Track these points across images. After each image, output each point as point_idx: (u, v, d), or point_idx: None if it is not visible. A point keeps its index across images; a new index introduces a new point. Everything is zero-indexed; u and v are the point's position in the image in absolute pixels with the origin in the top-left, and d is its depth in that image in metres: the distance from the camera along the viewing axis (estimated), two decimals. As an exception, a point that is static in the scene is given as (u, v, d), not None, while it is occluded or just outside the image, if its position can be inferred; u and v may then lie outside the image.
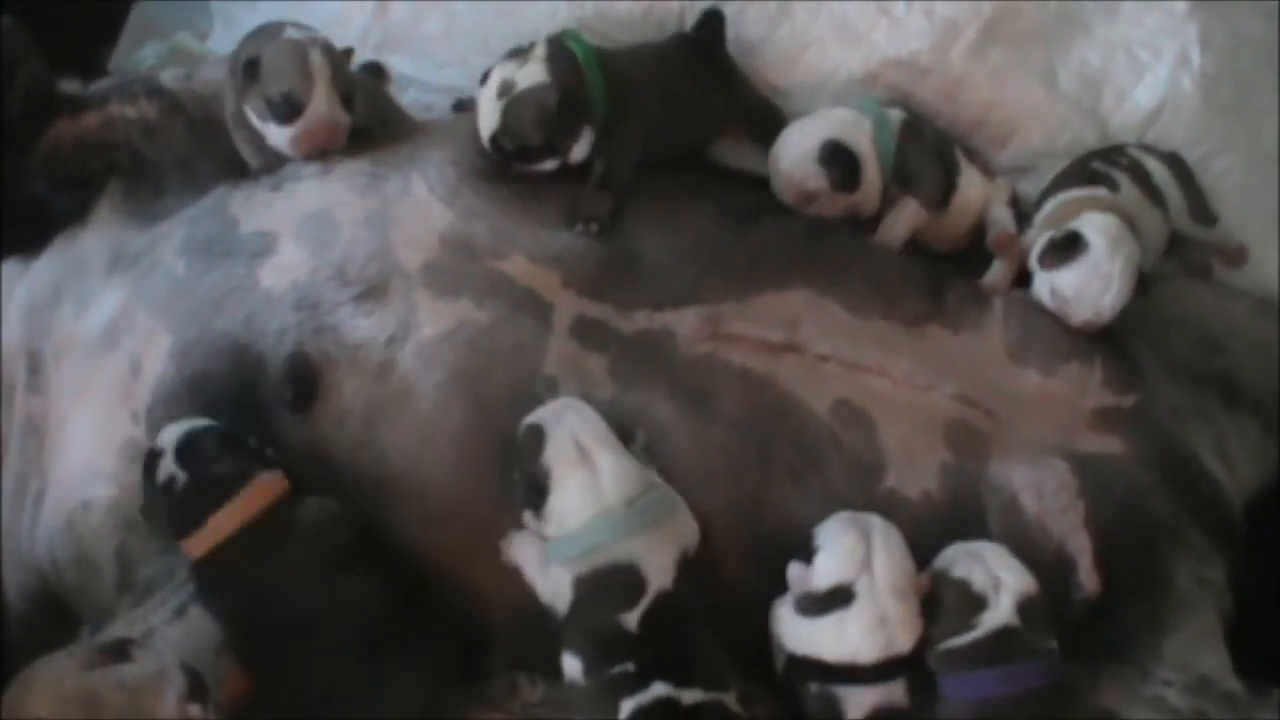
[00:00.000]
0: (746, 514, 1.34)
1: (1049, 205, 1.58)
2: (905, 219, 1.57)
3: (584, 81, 1.45)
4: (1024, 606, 1.24)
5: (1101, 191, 1.55)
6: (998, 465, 1.40)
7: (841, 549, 1.25)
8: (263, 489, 1.28)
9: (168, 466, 1.29)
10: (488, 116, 1.44)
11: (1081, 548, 1.37)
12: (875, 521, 1.28)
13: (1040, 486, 1.39)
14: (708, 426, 1.36)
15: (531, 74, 1.43)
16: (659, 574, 1.22)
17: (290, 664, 1.26)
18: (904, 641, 1.23)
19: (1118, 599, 1.38)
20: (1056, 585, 1.35)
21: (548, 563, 1.25)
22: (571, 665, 1.23)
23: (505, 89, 1.43)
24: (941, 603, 1.25)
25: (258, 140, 1.50)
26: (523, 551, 1.28)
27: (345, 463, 1.35)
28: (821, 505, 1.33)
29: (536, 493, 1.25)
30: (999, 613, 1.23)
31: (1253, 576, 1.48)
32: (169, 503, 1.29)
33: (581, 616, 1.23)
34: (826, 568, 1.25)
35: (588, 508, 1.23)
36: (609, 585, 1.22)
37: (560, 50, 1.47)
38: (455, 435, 1.34)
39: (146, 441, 1.36)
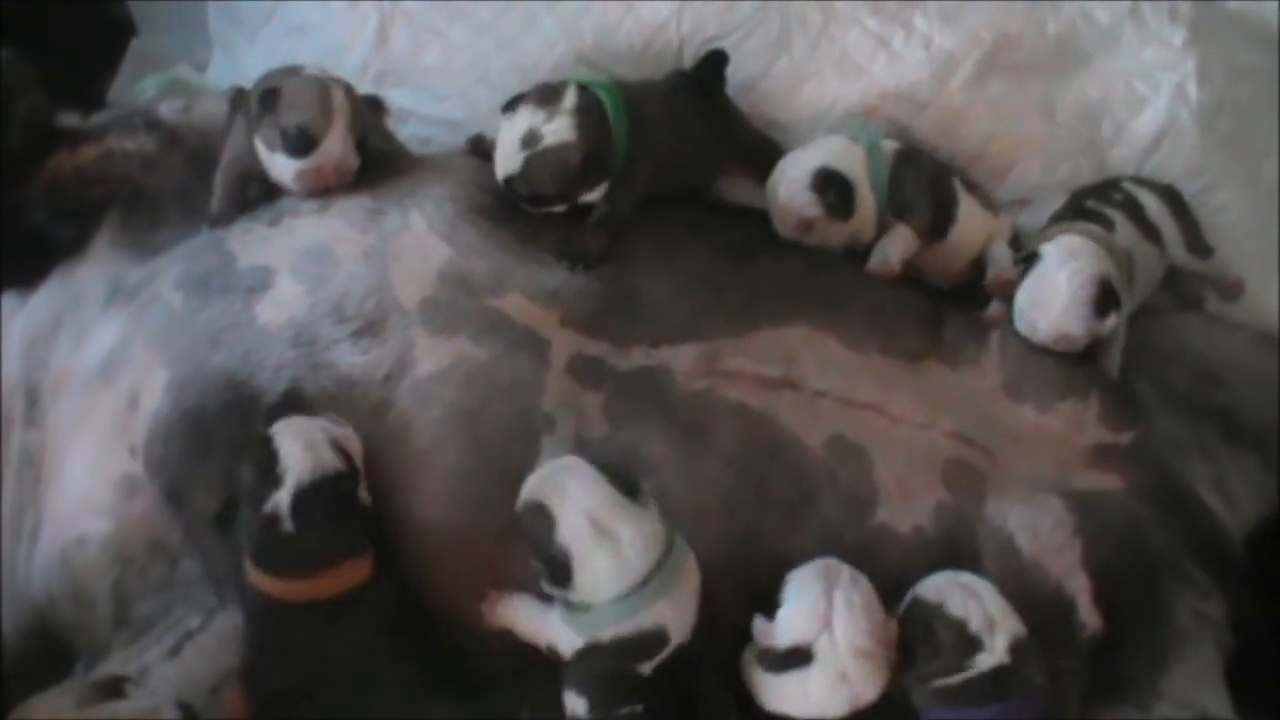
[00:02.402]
0: (741, 550, 1.33)
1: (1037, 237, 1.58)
2: (897, 245, 1.57)
3: (609, 135, 1.46)
4: (1015, 647, 1.23)
5: (1092, 226, 1.55)
6: (994, 505, 1.40)
7: (803, 606, 1.24)
8: (348, 573, 1.25)
9: (278, 502, 1.23)
10: (508, 160, 1.44)
11: (1080, 587, 1.37)
12: (843, 575, 1.26)
13: (1036, 526, 1.39)
14: (703, 462, 1.36)
15: (559, 130, 1.43)
16: (681, 630, 1.20)
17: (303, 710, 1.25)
18: (870, 694, 1.22)
19: (1117, 635, 1.38)
20: (1059, 625, 1.35)
21: (564, 626, 1.22)
22: (576, 704, 1.22)
23: (530, 139, 1.43)
24: (938, 640, 1.24)
25: (240, 180, 1.50)
26: (514, 613, 1.27)
27: (342, 499, 1.34)
28: (816, 542, 1.33)
29: (561, 573, 1.19)
30: (993, 654, 1.23)
31: (1253, 612, 1.47)
32: (262, 534, 1.25)
33: (593, 663, 1.21)
34: (787, 624, 1.24)
35: (617, 582, 1.18)
36: (633, 647, 1.19)
37: (589, 102, 1.46)
38: (452, 472, 1.33)
39: (143, 476, 1.36)
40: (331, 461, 1.25)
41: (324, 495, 1.24)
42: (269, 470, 1.24)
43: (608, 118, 1.46)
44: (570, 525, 1.18)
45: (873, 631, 1.23)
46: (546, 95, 1.46)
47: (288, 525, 1.23)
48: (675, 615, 1.20)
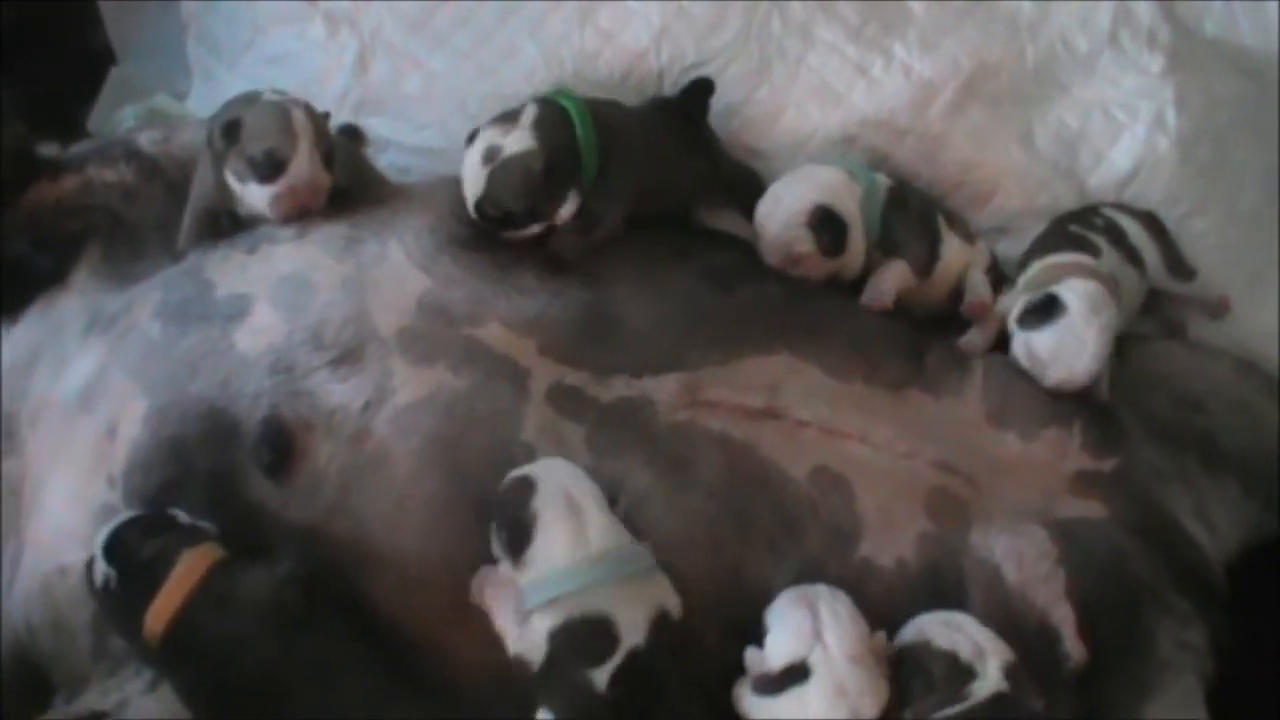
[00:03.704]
0: (726, 583, 1.32)
1: (1033, 268, 1.58)
2: (892, 279, 1.57)
3: (575, 141, 1.45)
4: (1009, 671, 1.23)
5: (1086, 258, 1.55)
6: (978, 535, 1.39)
7: (790, 625, 1.24)
8: (190, 567, 1.25)
9: (100, 569, 1.27)
10: (473, 182, 1.44)
11: (1064, 618, 1.36)
12: (821, 591, 1.27)
13: (1020, 555, 1.38)
14: (686, 495, 1.35)
15: (518, 140, 1.43)
16: (631, 630, 1.20)
17: None
18: (869, 709, 1.21)
19: (1099, 664, 1.37)
20: (1044, 655, 1.34)
21: (523, 610, 1.23)
22: None
23: (490, 155, 1.43)
24: (928, 674, 1.24)
25: (207, 216, 1.51)
26: (494, 594, 1.26)
27: (320, 527, 1.34)
28: (798, 575, 1.32)
29: (520, 537, 1.23)
30: (989, 681, 1.22)
31: (1234, 639, 1.46)
32: (109, 605, 1.27)
33: (555, 671, 1.20)
34: (778, 646, 1.24)
35: (570, 553, 1.21)
36: (581, 636, 1.20)
37: (550, 112, 1.46)
38: (431, 501, 1.33)
39: (122, 505, 1.36)
40: None
41: (125, 532, 1.28)
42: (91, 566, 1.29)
43: (572, 124, 1.46)
44: (547, 493, 1.24)
45: (863, 639, 1.23)
46: (505, 116, 1.46)
47: (113, 575, 1.26)
48: (622, 609, 1.20)
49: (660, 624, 1.22)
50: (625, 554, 1.23)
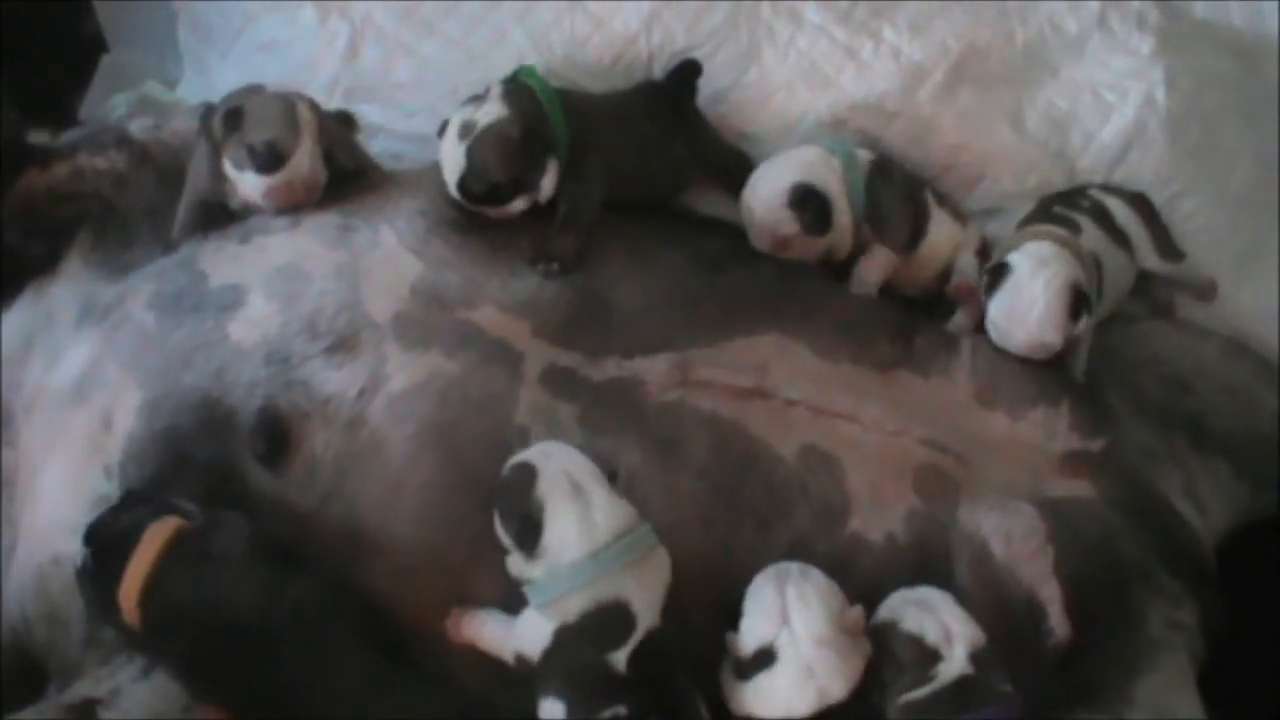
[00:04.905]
0: (715, 563, 1.33)
1: (1002, 245, 1.58)
2: (877, 267, 1.57)
3: (544, 114, 1.46)
4: (976, 655, 1.24)
5: (1051, 228, 1.55)
6: (966, 511, 1.40)
7: (759, 609, 1.24)
8: (154, 535, 1.25)
9: (79, 553, 1.27)
10: (452, 162, 1.44)
11: (1051, 595, 1.37)
12: (792, 571, 1.27)
13: (1009, 532, 1.38)
14: (676, 474, 1.35)
15: (491, 112, 1.44)
16: (648, 610, 1.20)
17: (267, 680, 1.24)
18: (838, 690, 1.21)
19: (1089, 643, 1.37)
20: (1028, 632, 1.35)
21: (531, 621, 1.22)
22: (553, 709, 1.20)
23: (466, 130, 1.44)
24: (896, 657, 1.25)
25: (201, 206, 1.51)
26: (476, 626, 1.27)
27: (316, 515, 1.34)
28: (788, 553, 1.32)
29: (530, 530, 1.21)
30: (954, 664, 1.23)
31: (1224, 618, 1.47)
32: (87, 588, 1.27)
33: (564, 659, 1.20)
34: (750, 630, 1.24)
35: (582, 542, 1.20)
36: (598, 625, 1.19)
37: (517, 87, 1.48)
38: (426, 487, 1.33)
39: (118, 496, 1.35)
40: None
41: (101, 518, 1.29)
42: None
43: (539, 100, 1.47)
44: (550, 478, 1.22)
45: (831, 619, 1.23)
46: (473, 98, 1.48)
47: (88, 556, 1.26)
48: (639, 591, 1.20)
49: (670, 599, 1.23)
50: (634, 536, 1.22)
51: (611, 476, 1.25)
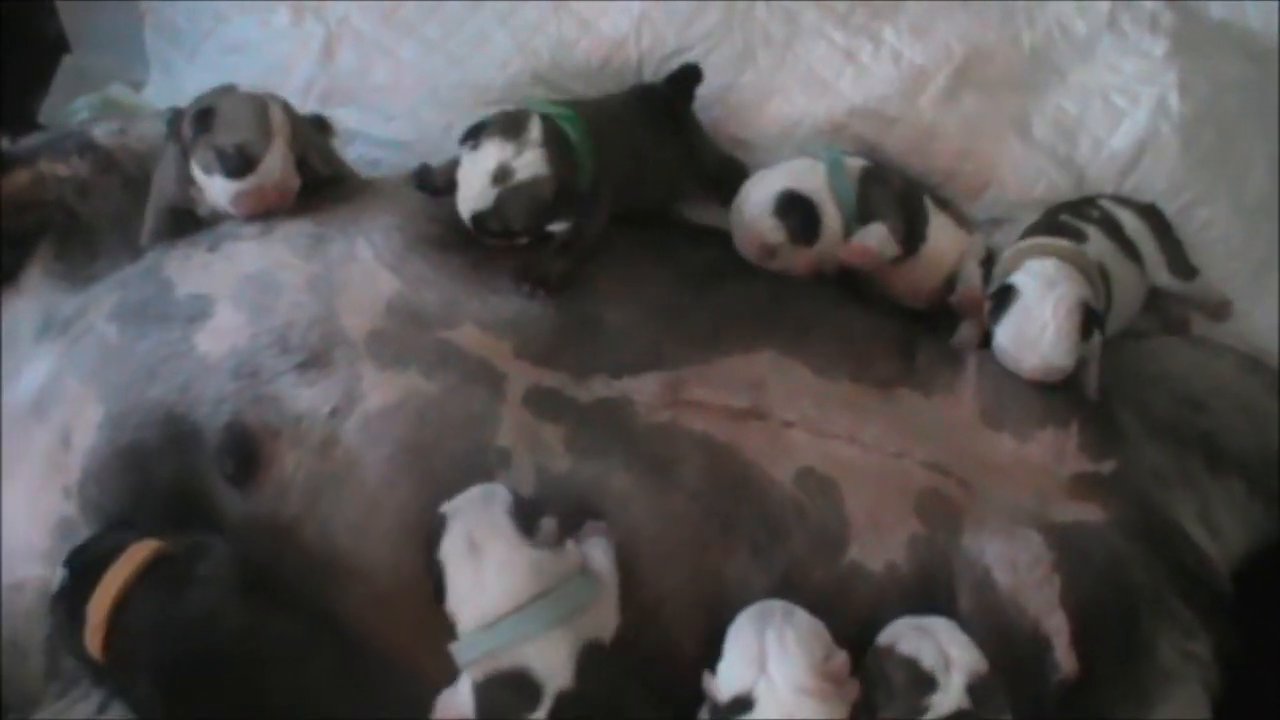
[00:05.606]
0: (708, 589, 1.30)
1: (1003, 257, 1.55)
2: (874, 238, 1.52)
3: (575, 165, 1.43)
4: (974, 687, 1.20)
5: (1055, 240, 1.52)
6: (970, 538, 1.36)
7: (737, 654, 1.21)
8: (133, 555, 1.22)
9: (58, 575, 1.25)
10: (477, 198, 1.40)
11: (1058, 626, 1.33)
12: (776, 612, 1.23)
13: (1014, 560, 1.35)
14: (668, 498, 1.32)
15: (530, 164, 1.39)
16: (555, 674, 1.17)
17: (238, 709, 1.21)
18: None
19: (1099, 674, 1.34)
20: (1032, 664, 1.32)
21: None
22: None
23: (502, 175, 1.39)
24: (890, 682, 1.21)
25: (169, 212, 1.47)
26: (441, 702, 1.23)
27: (287, 538, 1.31)
28: (783, 580, 1.30)
29: (436, 585, 1.20)
30: (950, 696, 1.20)
31: (1242, 648, 1.43)
32: (59, 609, 1.24)
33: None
34: (726, 676, 1.21)
35: (475, 608, 1.18)
36: (504, 692, 1.17)
37: (555, 131, 1.43)
38: (402, 511, 1.29)
39: (80, 518, 1.33)
40: None
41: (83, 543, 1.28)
42: None
43: (572, 148, 1.43)
44: (452, 537, 1.20)
45: (812, 667, 1.19)
46: (510, 127, 1.42)
47: (63, 574, 1.25)
48: (541, 656, 1.17)
49: (589, 657, 1.19)
50: (547, 607, 1.18)
51: (529, 526, 1.20)
